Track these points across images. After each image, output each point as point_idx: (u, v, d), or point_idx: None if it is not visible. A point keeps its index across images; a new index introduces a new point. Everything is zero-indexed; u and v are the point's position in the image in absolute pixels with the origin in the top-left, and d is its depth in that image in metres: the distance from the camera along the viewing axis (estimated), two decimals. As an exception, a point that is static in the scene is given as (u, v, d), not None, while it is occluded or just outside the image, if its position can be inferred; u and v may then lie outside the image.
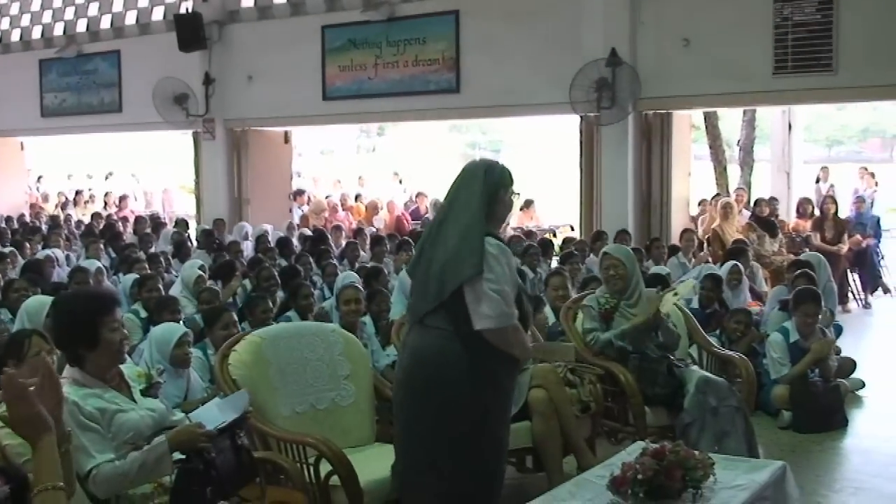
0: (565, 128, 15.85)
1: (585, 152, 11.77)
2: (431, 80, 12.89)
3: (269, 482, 3.88)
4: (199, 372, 5.60)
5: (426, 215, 15.58)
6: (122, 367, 3.61)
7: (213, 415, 3.64)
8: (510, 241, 10.85)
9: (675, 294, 5.78)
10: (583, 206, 12.01)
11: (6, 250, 10.09)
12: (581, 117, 11.55)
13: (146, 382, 3.68)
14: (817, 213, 12.47)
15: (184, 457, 3.36)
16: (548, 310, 6.94)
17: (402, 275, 8.35)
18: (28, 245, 11.46)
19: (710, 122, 16.93)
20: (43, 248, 11.62)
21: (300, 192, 17.24)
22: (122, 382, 3.58)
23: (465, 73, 12.58)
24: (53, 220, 16.32)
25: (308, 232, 13.05)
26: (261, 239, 11.62)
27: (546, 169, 21.89)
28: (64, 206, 19.19)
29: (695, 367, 5.72)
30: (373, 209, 16.87)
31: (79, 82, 16.86)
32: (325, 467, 4.04)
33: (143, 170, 23.23)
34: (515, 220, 15.17)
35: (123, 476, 3.31)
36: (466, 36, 12.53)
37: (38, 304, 6.23)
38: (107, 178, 22.21)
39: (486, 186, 3.85)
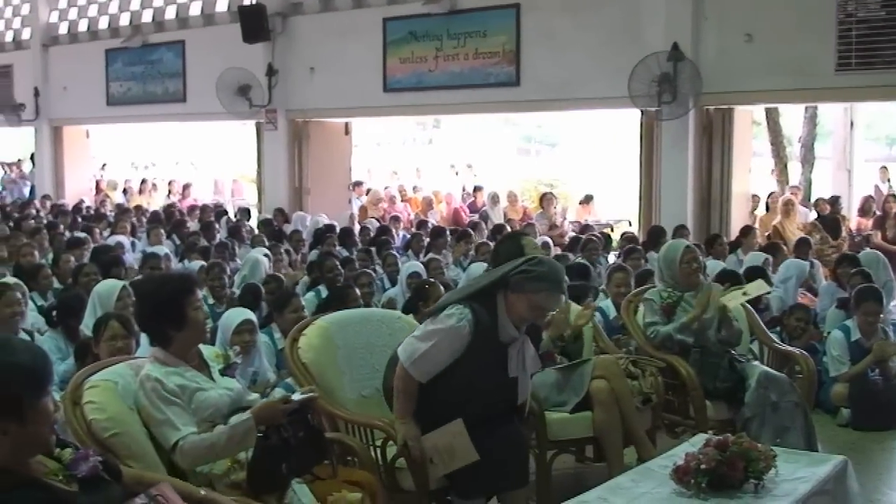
0: (623, 122, 15.83)
1: (645, 147, 11.75)
2: (491, 73, 12.94)
3: (342, 461, 3.98)
4: (267, 356, 5.75)
5: (483, 208, 15.64)
6: (200, 347, 3.73)
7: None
8: (570, 241, 10.90)
9: (745, 293, 5.79)
10: (642, 202, 11.99)
11: (81, 236, 10.38)
12: (641, 112, 11.53)
13: (224, 363, 3.80)
14: (878, 212, 12.34)
15: (261, 434, 3.47)
16: (609, 304, 6.98)
17: (471, 267, 8.43)
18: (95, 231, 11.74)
19: (772, 119, 16.79)
20: (110, 234, 11.89)
21: (358, 183, 17.39)
22: (202, 363, 3.71)
23: (524, 66, 12.61)
24: (119, 207, 16.66)
25: (370, 223, 13.17)
26: (322, 230, 11.71)
27: (604, 164, 21.82)
28: (127, 194, 19.56)
29: (756, 363, 5.73)
30: (429, 201, 16.96)
31: (144, 72, 17.16)
32: (391, 450, 4.15)
33: (207, 159, 23.57)
34: (573, 215, 15.21)
35: (211, 447, 3.41)
36: (527, 29, 12.55)
37: (108, 288, 6.43)
38: (176, 164, 22.52)
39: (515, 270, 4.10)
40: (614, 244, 11.29)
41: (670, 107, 10.97)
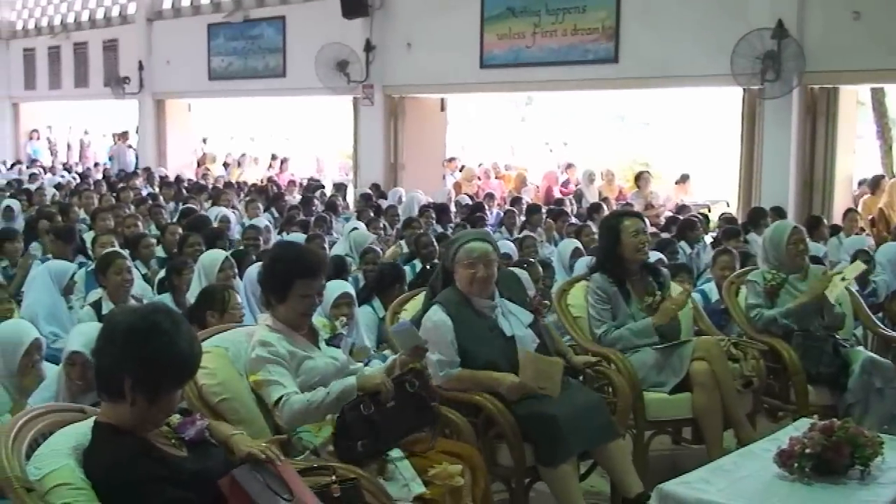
0: (721, 101, 15.53)
1: (746, 126, 11.51)
2: (590, 49, 12.81)
3: (441, 434, 4.03)
4: (368, 329, 5.83)
5: (578, 186, 15.55)
6: None
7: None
8: (667, 221, 10.77)
9: (844, 279, 5.67)
10: (741, 182, 11.77)
11: (193, 208, 10.69)
12: (744, 90, 11.31)
13: (330, 333, 3.89)
14: None
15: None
16: (712, 286, 6.88)
17: (562, 244, 8.41)
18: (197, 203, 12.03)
19: (877, 99, 16.26)
20: (210, 206, 12.15)
21: (452, 159, 17.44)
22: (311, 331, 3.80)
23: (623, 42, 12.45)
24: (223, 181, 17.01)
25: (465, 200, 13.21)
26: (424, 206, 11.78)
27: (699, 143, 21.45)
28: (228, 168, 19.96)
29: (860, 348, 5.61)
30: (523, 178, 16.93)
31: (245, 47, 17.45)
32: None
33: (304, 134, 23.84)
34: (670, 194, 15.00)
35: (308, 405, 3.51)
36: (627, 5, 12.37)
37: (212, 258, 6.60)
38: (269, 137, 22.79)
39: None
40: (712, 225, 11.12)
41: (773, 85, 10.72)
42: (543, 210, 11.23)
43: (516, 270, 4.93)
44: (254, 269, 6.00)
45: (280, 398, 3.51)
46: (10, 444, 2.59)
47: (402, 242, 9.04)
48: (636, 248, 5.12)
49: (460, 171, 17.06)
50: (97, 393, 2.65)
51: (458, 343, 4.31)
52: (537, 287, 5.86)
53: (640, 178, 13.73)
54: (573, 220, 10.72)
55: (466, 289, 4.38)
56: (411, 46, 14.69)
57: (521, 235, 9.09)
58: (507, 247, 7.96)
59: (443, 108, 16.08)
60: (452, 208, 12.35)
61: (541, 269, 6.52)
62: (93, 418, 2.68)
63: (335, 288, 5.60)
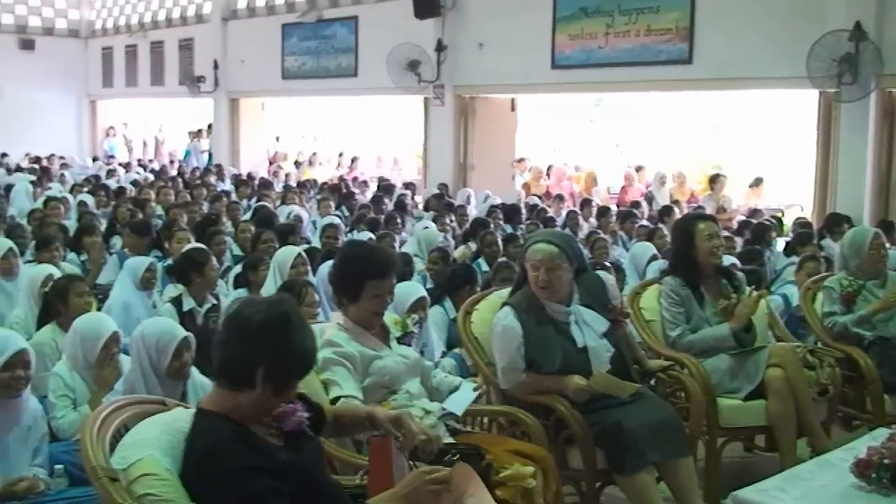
0: (795, 103, 15.28)
1: (822, 130, 11.30)
2: (663, 50, 12.69)
3: (511, 434, 4.04)
4: (439, 329, 5.86)
5: (649, 188, 15.42)
6: None
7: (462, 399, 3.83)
8: (739, 225, 10.63)
9: None
10: (816, 186, 11.57)
11: (267, 205, 10.86)
12: (820, 93, 11.10)
13: (401, 331, 3.91)
14: None
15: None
16: (794, 291, 6.77)
17: (636, 247, 8.35)
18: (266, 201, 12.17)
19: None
20: (280, 204, 12.28)
21: (521, 160, 17.41)
22: (382, 330, 3.83)
23: (698, 43, 12.30)
24: (288, 178, 17.20)
25: (535, 200, 13.18)
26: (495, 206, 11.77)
27: (772, 146, 21.10)
28: (299, 166, 20.18)
29: (940, 357, 5.48)
30: (592, 179, 16.83)
31: (318, 47, 17.63)
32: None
33: (374, 134, 23.98)
34: (741, 198, 14.79)
35: None
36: (702, 5, 12.24)
37: (286, 255, 6.70)
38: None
39: None
40: (786, 229, 10.94)
41: (850, 88, 10.50)
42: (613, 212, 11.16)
43: (602, 274, 4.86)
44: (325, 268, 6.06)
45: (337, 398, 3.54)
46: (95, 435, 2.65)
47: (471, 243, 9.07)
48: (710, 251, 5.06)
49: (528, 171, 17.02)
50: (217, 381, 2.70)
51: (526, 350, 4.27)
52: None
53: (714, 181, 13.54)
54: (644, 222, 10.64)
55: (536, 292, 4.34)
56: (483, 46, 14.69)
57: (591, 237, 9.03)
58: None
59: (513, 109, 16.07)
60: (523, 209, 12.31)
61: (613, 271, 6.48)
62: (179, 408, 2.74)
63: (411, 292, 5.58)
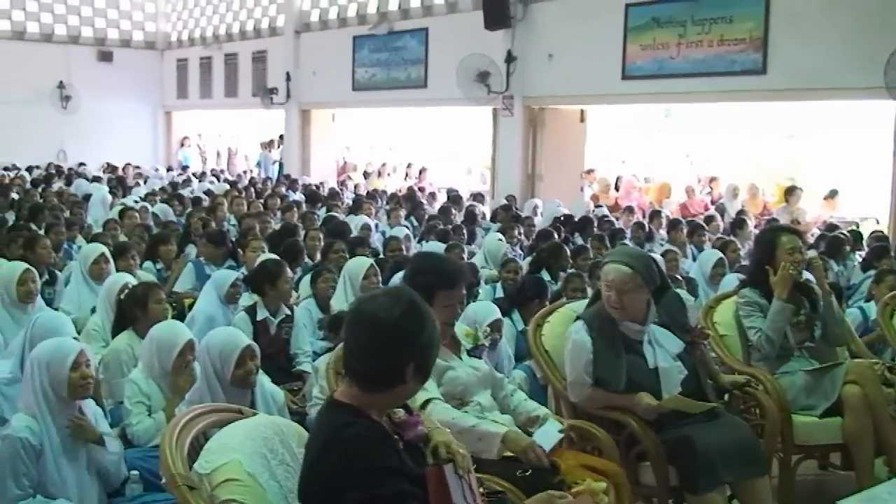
0: (871, 114, 14.95)
1: (901, 141, 11.07)
2: (736, 60, 12.53)
3: (582, 449, 4.01)
4: (507, 341, 5.84)
5: (720, 200, 15.21)
6: None
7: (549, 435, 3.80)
8: (816, 238, 10.43)
9: None
10: (893, 198, 11.32)
11: (337, 216, 10.97)
12: (898, 103, 10.88)
13: (473, 343, 3.90)
14: None
15: None
16: (871, 306, 6.63)
17: (703, 255, 8.26)
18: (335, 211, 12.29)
19: None
20: (348, 214, 12.35)
21: (590, 171, 17.32)
22: (453, 340, 3.83)
23: (772, 53, 12.13)
24: (357, 188, 17.33)
25: (604, 212, 13.09)
26: (562, 217, 11.72)
27: (846, 157, 20.68)
28: (368, 177, 20.33)
29: None
30: (663, 191, 16.66)
31: (388, 58, 17.76)
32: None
33: (443, 144, 24.05)
34: (815, 210, 14.52)
35: (450, 420, 3.50)
36: (776, 14, 12.05)
37: (358, 265, 6.75)
38: (424, 150, 22.91)
39: None
40: (864, 242, 10.71)
41: (927, 98, 10.27)
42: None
43: (683, 294, 4.80)
44: (397, 279, 6.08)
45: (427, 401, 3.55)
46: (174, 442, 2.69)
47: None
48: (791, 265, 4.97)
49: (597, 182, 16.92)
50: (364, 385, 2.64)
51: (595, 367, 4.23)
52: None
53: (790, 193, 13.29)
54: (712, 234, 10.51)
55: (611, 308, 4.29)
56: (552, 57, 14.66)
57: (663, 250, 8.93)
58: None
59: (582, 120, 16.01)
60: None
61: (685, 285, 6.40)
62: (261, 415, 2.75)
63: (487, 313, 5.54)
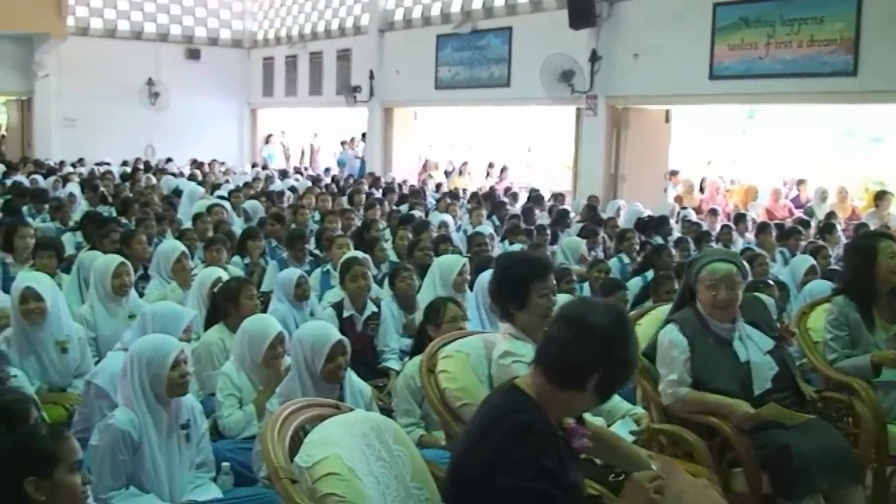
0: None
1: None
2: (826, 61, 12.26)
3: (672, 454, 3.97)
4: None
5: (808, 203, 14.91)
6: None
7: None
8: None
9: None
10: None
11: (416, 214, 11.02)
12: None
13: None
14: None
15: None
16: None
17: (795, 261, 8.11)
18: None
19: None
20: (428, 213, 12.37)
21: (674, 172, 17.12)
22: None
23: (863, 54, 11.84)
24: (437, 187, 17.37)
25: (691, 214, 12.92)
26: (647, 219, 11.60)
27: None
28: (449, 175, 20.37)
29: None
30: (749, 193, 16.38)
31: (471, 57, 17.77)
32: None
33: (525, 144, 24.01)
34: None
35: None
36: (868, 14, 11.76)
37: (449, 262, 6.76)
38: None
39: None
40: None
41: None
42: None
43: (762, 296, 4.74)
44: (485, 277, 6.08)
45: None
46: (276, 436, 2.74)
47: (623, 255, 9.01)
48: (893, 270, 4.84)
49: (681, 184, 16.71)
50: (548, 375, 2.68)
51: (691, 364, 4.22)
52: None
53: (880, 198, 12.97)
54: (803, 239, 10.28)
55: (708, 310, 4.27)
56: (638, 56, 14.52)
57: (751, 254, 8.78)
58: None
59: (667, 120, 15.83)
60: (675, 222, 12.10)
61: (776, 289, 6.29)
62: (359, 411, 2.75)
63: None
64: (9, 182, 14.53)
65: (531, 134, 23.34)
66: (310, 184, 16.14)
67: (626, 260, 8.98)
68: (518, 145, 23.88)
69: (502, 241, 10.13)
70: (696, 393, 4.20)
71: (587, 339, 2.61)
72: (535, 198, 14.37)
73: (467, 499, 2.65)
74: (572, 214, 12.56)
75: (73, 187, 13.53)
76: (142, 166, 19.78)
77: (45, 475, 2.83)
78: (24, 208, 10.91)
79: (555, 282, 3.88)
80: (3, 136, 24.51)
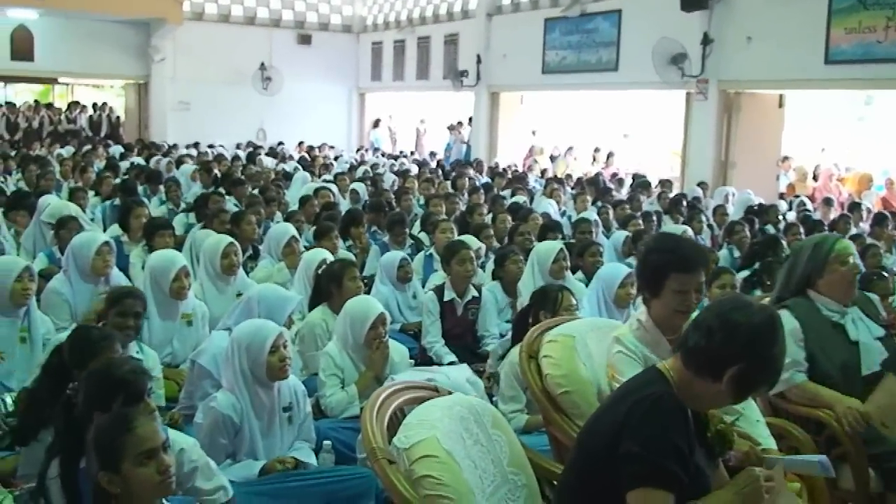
0: None
1: None
2: (950, 44, 11.78)
3: (778, 449, 3.87)
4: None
5: (928, 192, 14.36)
6: None
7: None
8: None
9: None
10: None
11: (520, 200, 11.00)
12: None
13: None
14: None
15: None
16: None
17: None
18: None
19: None
20: (531, 199, 12.30)
21: (786, 159, 16.67)
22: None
23: None
24: (542, 172, 17.27)
25: (805, 202, 12.57)
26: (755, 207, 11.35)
27: None
28: (554, 161, 20.24)
29: None
30: (864, 182, 15.83)
31: (579, 41, 17.59)
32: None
33: (630, 129, 23.67)
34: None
35: None
36: None
37: (549, 249, 6.73)
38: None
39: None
40: None
41: None
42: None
43: (869, 295, 4.62)
44: (608, 267, 6.03)
45: None
46: (375, 417, 2.77)
47: (732, 247, 8.83)
48: None
49: (794, 171, 16.26)
50: (685, 358, 2.67)
51: (813, 353, 4.15)
52: (883, 303, 5.47)
53: None
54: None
55: (841, 290, 4.20)
56: (751, 40, 14.16)
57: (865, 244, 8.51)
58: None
59: (780, 105, 15.42)
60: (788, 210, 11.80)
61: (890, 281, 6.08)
62: (457, 394, 2.75)
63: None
64: (126, 164, 15.00)
65: (634, 119, 22.96)
66: (415, 168, 16.24)
67: (736, 253, 8.78)
68: (616, 131, 23.54)
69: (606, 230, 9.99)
70: (810, 384, 4.10)
71: (732, 329, 2.57)
72: (641, 184, 14.16)
73: (592, 468, 2.65)
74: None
75: (188, 169, 13.90)
76: (253, 149, 20.19)
77: (113, 470, 2.80)
78: (140, 189, 11.24)
79: (703, 280, 3.57)
80: (119, 118, 25.30)
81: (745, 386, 2.61)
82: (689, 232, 8.79)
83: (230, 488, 3.68)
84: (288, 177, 13.84)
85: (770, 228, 10.20)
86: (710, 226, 10.63)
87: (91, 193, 10.82)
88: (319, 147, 21.51)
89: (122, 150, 18.42)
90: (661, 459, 2.50)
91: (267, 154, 19.22)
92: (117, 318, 4.55)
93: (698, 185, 14.15)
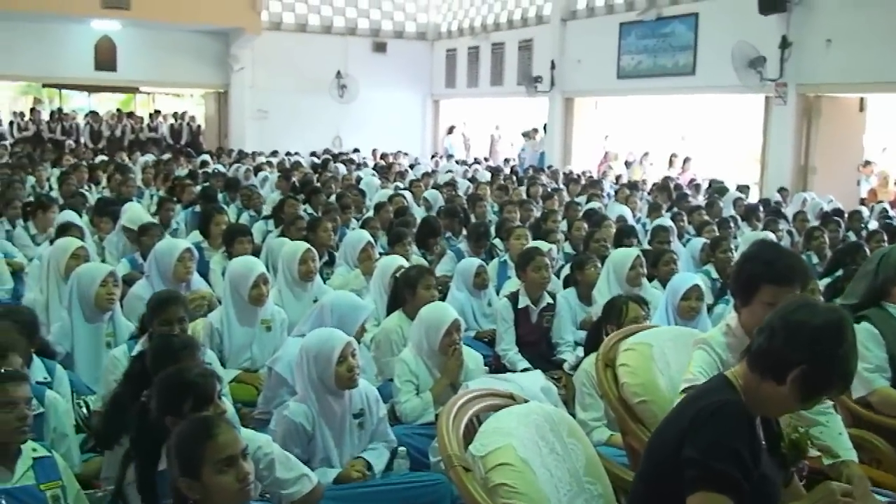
0: None
1: None
2: None
3: (860, 461, 3.80)
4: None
5: None
6: None
7: None
8: None
9: None
10: None
11: (596, 206, 10.94)
12: None
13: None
14: None
15: None
16: None
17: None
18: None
19: None
20: (586, 202, 12.15)
21: (868, 163, 16.30)
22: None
23: None
24: (617, 178, 17.12)
25: (887, 208, 12.27)
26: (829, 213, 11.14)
27: None
28: (630, 166, 20.07)
29: None
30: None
31: (655, 45, 17.45)
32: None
33: (707, 134, 23.37)
34: None
35: None
36: None
37: (623, 256, 6.68)
38: (684, 139, 22.57)
39: None
40: None
41: None
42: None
43: None
44: (679, 278, 5.92)
45: None
46: (451, 424, 2.78)
47: (811, 253, 8.67)
48: None
49: (876, 176, 15.89)
50: (750, 360, 2.66)
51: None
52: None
53: None
54: None
55: None
56: (831, 42, 13.89)
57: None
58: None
59: (861, 109, 15.10)
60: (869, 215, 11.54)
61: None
62: (533, 402, 2.77)
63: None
64: (206, 171, 15.27)
65: (717, 124, 22.65)
66: (489, 175, 16.24)
67: (815, 259, 8.61)
68: (705, 136, 23.25)
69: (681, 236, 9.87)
70: (893, 392, 4.02)
71: (794, 329, 2.54)
72: (717, 190, 13.96)
73: (659, 475, 2.63)
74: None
75: (267, 177, 14.07)
76: (330, 157, 20.39)
77: (193, 476, 2.83)
78: (220, 196, 11.43)
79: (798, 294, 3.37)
80: (199, 126, 25.79)
81: (810, 388, 2.55)
82: (772, 237, 8.64)
83: (313, 476, 3.71)
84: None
85: (851, 235, 9.99)
86: (789, 232, 10.44)
87: (171, 200, 11.01)
88: (394, 154, 21.66)
89: (206, 157, 18.73)
90: (720, 464, 2.47)
91: (341, 161, 19.40)
92: (161, 326, 4.53)
93: (778, 190, 13.91)
